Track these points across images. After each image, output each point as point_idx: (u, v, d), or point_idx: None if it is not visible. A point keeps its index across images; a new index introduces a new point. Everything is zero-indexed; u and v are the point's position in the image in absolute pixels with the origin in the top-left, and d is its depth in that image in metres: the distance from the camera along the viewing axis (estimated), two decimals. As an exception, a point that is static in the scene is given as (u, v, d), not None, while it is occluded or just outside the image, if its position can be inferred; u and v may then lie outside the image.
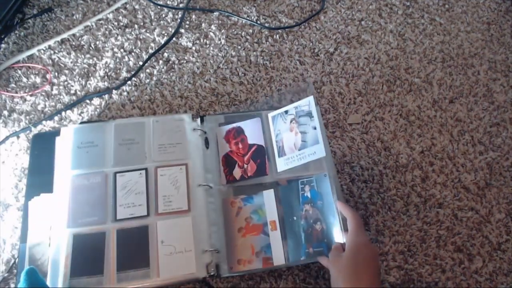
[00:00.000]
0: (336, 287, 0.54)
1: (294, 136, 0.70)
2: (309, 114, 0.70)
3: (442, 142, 0.80)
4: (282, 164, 0.69)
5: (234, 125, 0.73)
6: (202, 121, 0.74)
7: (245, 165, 0.69)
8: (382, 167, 0.76)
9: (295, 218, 0.64)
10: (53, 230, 0.62)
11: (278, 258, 0.62)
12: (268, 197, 0.66)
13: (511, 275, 0.67)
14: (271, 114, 0.73)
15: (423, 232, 0.70)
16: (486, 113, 0.84)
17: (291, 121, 0.71)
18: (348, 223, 0.58)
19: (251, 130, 0.72)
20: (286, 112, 0.72)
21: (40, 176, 0.68)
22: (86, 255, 0.60)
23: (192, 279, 0.61)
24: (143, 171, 0.68)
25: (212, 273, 0.61)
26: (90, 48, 0.87)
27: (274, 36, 0.92)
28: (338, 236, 0.61)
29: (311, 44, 0.91)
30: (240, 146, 0.71)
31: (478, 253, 0.69)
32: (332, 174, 0.70)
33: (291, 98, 0.75)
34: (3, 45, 0.86)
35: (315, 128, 0.69)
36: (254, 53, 0.88)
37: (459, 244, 0.69)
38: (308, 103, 0.70)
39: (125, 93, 0.81)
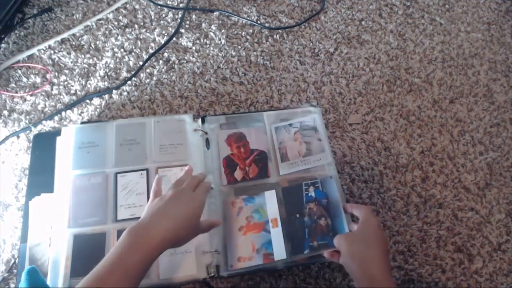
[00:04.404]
0: (349, 262, 0.55)
1: (298, 145, 0.72)
2: (314, 129, 0.73)
3: (442, 142, 0.80)
4: (285, 168, 0.70)
5: (236, 130, 0.73)
6: (203, 121, 0.74)
7: (247, 168, 0.70)
8: (382, 167, 0.76)
9: (297, 215, 0.65)
10: (53, 230, 0.62)
11: (279, 253, 0.62)
12: (270, 197, 0.67)
13: (511, 275, 0.67)
14: (274, 125, 0.74)
15: (423, 232, 0.70)
16: (486, 113, 0.84)
17: (295, 133, 0.73)
18: (361, 213, 0.60)
19: (254, 136, 0.73)
20: (290, 125, 0.74)
21: (40, 176, 0.68)
22: (86, 256, 0.60)
23: (192, 280, 0.61)
24: (144, 172, 0.67)
25: (212, 274, 0.61)
26: (90, 48, 0.87)
27: (274, 36, 0.92)
28: (345, 229, 0.63)
29: (311, 44, 0.91)
30: (242, 150, 0.71)
31: (478, 254, 0.69)
32: (334, 175, 0.70)
33: (295, 110, 0.77)
34: (3, 45, 0.86)
35: (320, 140, 0.72)
36: (254, 53, 0.88)
37: (459, 244, 0.70)
38: (313, 120, 0.74)
39: (125, 93, 0.81)
